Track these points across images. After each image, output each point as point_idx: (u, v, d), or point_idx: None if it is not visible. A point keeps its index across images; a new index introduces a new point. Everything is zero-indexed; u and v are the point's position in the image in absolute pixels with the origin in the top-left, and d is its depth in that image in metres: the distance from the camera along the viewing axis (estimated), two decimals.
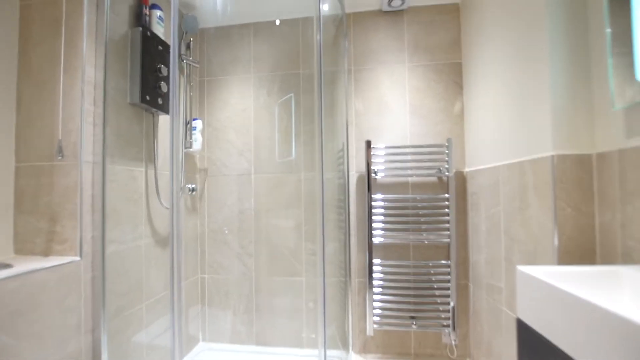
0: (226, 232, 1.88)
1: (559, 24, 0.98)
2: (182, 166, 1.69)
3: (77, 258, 1.12)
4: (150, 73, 1.41)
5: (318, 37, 1.56)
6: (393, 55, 1.80)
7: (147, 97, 1.39)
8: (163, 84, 1.47)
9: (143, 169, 1.46)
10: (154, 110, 1.48)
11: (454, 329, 1.62)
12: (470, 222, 1.65)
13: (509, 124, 1.24)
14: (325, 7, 1.66)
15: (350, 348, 1.73)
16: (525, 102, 1.12)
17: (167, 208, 1.56)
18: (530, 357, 0.74)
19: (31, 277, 0.97)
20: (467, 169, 1.68)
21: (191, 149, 1.76)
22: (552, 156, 0.97)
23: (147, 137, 1.50)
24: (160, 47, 1.47)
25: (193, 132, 1.76)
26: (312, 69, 1.84)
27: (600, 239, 0.92)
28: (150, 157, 1.51)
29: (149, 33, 1.40)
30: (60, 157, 1.14)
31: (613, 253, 0.88)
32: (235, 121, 1.92)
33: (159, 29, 1.48)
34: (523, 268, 0.78)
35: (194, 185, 1.81)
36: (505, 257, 1.27)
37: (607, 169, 0.89)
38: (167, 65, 1.49)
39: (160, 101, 1.47)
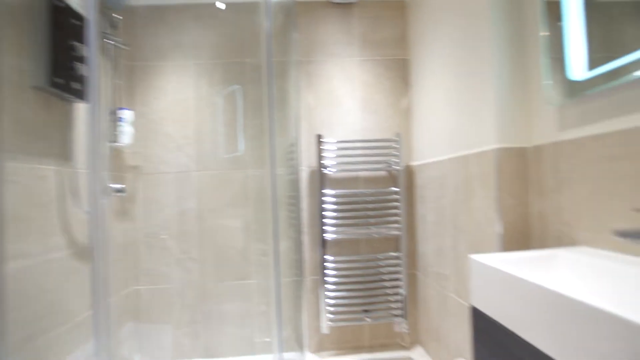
0: (165, 236, 1.68)
1: (501, 27, 1.04)
2: (106, 163, 1.46)
3: None
4: (61, 51, 1.17)
5: (267, 24, 1.47)
6: (343, 48, 1.77)
7: (58, 81, 1.15)
8: (79, 66, 1.23)
9: (55, 167, 1.22)
10: (67, 96, 1.23)
11: (405, 318, 1.68)
12: (418, 214, 1.71)
13: (454, 119, 1.30)
14: None
15: (306, 348, 1.69)
16: (469, 99, 1.18)
17: (86, 212, 1.33)
18: (485, 343, 0.76)
19: None
20: (415, 163, 1.74)
21: (119, 143, 1.53)
22: (495, 149, 1.02)
23: (59, 128, 1.25)
24: (75, 21, 1.23)
25: (120, 123, 1.53)
26: (260, 59, 1.73)
27: (536, 225, 1.00)
28: (65, 153, 1.27)
29: (59, 2, 1.16)
30: None
31: (547, 237, 0.96)
32: (174, 112, 1.72)
33: None
34: (475, 257, 0.80)
35: (122, 186, 1.57)
36: (451, 246, 1.33)
37: (543, 160, 0.97)
38: (86, 44, 1.25)
39: (76, 86, 1.23)
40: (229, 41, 1.74)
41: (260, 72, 1.73)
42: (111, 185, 1.47)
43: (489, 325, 0.73)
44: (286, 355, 1.68)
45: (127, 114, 1.56)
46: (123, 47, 1.58)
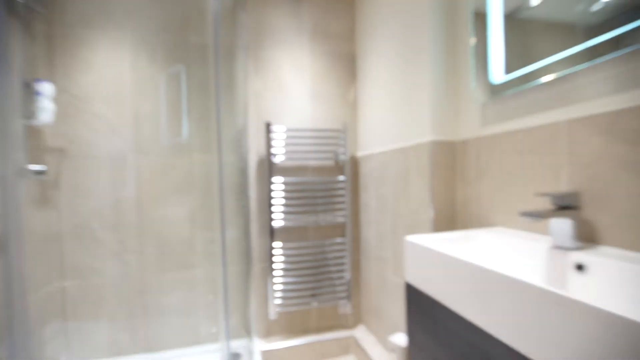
0: (97, 226, 1.53)
1: (437, 31, 1.13)
2: (20, 143, 1.27)
3: None
4: None
5: (214, 2, 1.40)
6: (294, 37, 1.77)
7: None
8: None
9: None
10: None
11: (349, 299, 1.78)
12: (362, 202, 1.81)
13: (395, 113, 1.39)
14: None
15: (254, 335, 1.70)
16: (408, 95, 1.27)
17: None
18: (416, 313, 0.86)
19: None
20: (360, 153, 1.82)
21: (36, 121, 1.34)
22: (429, 142, 1.13)
23: None
24: None
25: (38, 98, 1.34)
26: (206, 38, 1.64)
27: (461, 209, 1.14)
28: None
29: None
30: None
31: (471, 220, 1.10)
32: (105, 90, 1.55)
33: None
34: (409, 237, 0.89)
35: (42, 167, 1.39)
36: (391, 231, 1.44)
37: (467, 152, 1.10)
38: None
39: None
40: (172, 16, 1.62)
41: (206, 53, 1.64)
42: (29, 166, 1.29)
43: (420, 298, 0.83)
44: (233, 343, 1.68)
45: (46, 88, 1.37)
46: (36, 9, 1.37)
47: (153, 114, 1.60)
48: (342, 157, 1.78)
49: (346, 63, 1.84)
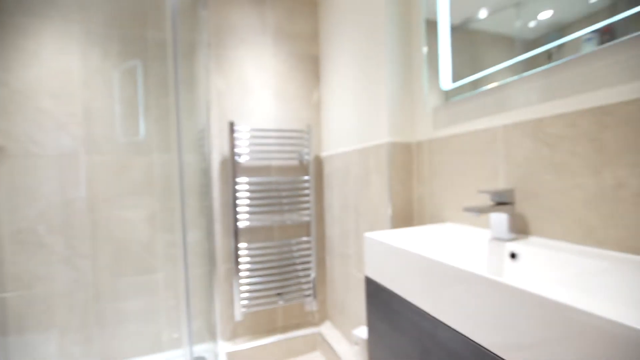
0: (43, 230, 1.42)
1: (394, 38, 1.20)
2: None
3: None
4: None
5: None
6: (257, 36, 1.76)
7: None
8: None
9: None
10: None
11: (314, 297, 1.81)
12: (326, 201, 1.85)
13: (357, 115, 1.45)
14: None
15: (219, 337, 1.67)
16: (369, 98, 1.33)
17: None
18: (375, 305, 0.91)
19: None
20: (324, 154, 1.87)
21: None
22: (387, 143, 1.19)
23: None
24: None
25: None
26: (164, 35, 1.59)
27: (417, 207, 1.21)
28: None
29: None
30: None
31: (425, 216, 1.18)
32: (52, 84, 1.44)
33: None
34: (368, 234, 0.94)
35: None
36: (354, 229, 1.50)
37: (422, 153, 1.18)
38: None
39: None
40: (126, 9, 1.54)
41: (165, 50, 1.59)
42: None
43: (378, 290, 0.88)
44: (198, 347, 1.64)
45: None
46: None
47: (107, 110, 1.52)
48: (306, 157, 1.81)
49: (310, 64, 1.88)
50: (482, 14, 0.89)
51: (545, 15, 0.72)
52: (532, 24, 0.75)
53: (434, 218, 1.12)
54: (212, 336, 1.64)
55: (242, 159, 1.69)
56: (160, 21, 1.59)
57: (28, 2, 1.40)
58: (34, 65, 1.42)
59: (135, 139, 1.55)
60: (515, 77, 0.80)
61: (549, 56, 0.72)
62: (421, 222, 1.19)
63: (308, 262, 1.82)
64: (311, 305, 1.83)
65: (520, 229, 0.81)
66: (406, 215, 1.21)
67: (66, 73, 1.46)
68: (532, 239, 0.76)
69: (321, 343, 1.80)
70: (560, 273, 0.62)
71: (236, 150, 1.66)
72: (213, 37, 1.67)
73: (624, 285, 0.46)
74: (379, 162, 1.25)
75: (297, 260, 1.81)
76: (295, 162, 1.83)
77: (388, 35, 1.19)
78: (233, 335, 1.73)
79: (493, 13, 0.86)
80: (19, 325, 1.40)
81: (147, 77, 1.57)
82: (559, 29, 0.69)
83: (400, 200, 1.20)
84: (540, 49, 0.73)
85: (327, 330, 1.81)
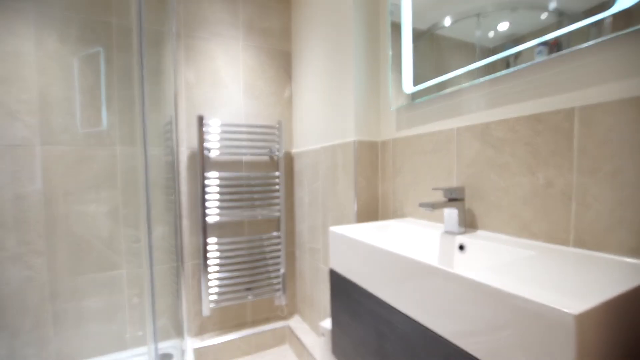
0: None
1: (361, 39, 1.24)
2: None
3: None
4: None
5: None
6: (228, 30, 1.74)
7: None
8: None
9: None
10: None
11: (284, 291, 1.84)
12: (296, 197, 1.88)
13: (326, 113, 1.48)
14: None
15: (186, 334, 1.66)
16: (337, 97, 1.37)
17: None
18: (338, 295, 0.95)
19: None
20: (294, 150, 1.89)
21: None
22: (354, 141, 1.24)
23: None
24: None
25: None
26: (129, 21, 1.53)
27: (381, 203, 1.27)
28: None
29: None
30: None
31: (388, 212, 1.24)
32: (6, 70, 1.35)
33: None
34: (333, 228, 0.98)
35: None
36: (322, 224, 1.54)
37: (386, 152, 1.24)
38: None
39: None
40: None
41: (129, 37, 1.53)
42: None
43: (341, 281, 0.92)
44: (164, 344, 1.62)
45: None
46: None
47: (65, 99, 1.44)
48: (277, 154, 1.82)
49: (282, 61, 1.88)
50: (446, 21, 0.94)
51: (503, 26, 0.78)
52: (491, 34, 0.81)
53: (396, 213, 1.19)
54: (178, 333, 1.62)
55: (212, 154, 1.67)
56: (126, 7, 1.52)
57: None
58: None
59: (96, 129, 1.48)
60: (471, 83, 0.87)
61: (506, 64, 0.77)
62: (385, 217, 1.25)
63: (278, 257, 1.84)
64: (280, 299, 1.86)
65: (469, 223, 0.89)
66: (371, 210, 1.27)
67: (17, 56, 1.36)
68: (479, 233, 0.84)
69: (290, 336, 1.83)
70: (498, 261, 0.69)
71: (206, 144, 1.64)
72: (182, 27, 1.63)
73: (547, 271, 0.53)
74: (346, 160, 1.30)
75: (267, 255, 1.83)
76: (266, 158, 1.84)
77: (356, 36, 1.23)
78: (201, 331, 1.72)
79: (456, 21, 0.92)
80: None
81: (110, 66, 1.50)
82: (514, 39, 0.75)
83: (365, 196, 1.26)
84: (497, 56, 0.79)
85: (296, 323, 1.84)
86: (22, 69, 1.37)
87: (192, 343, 1.64)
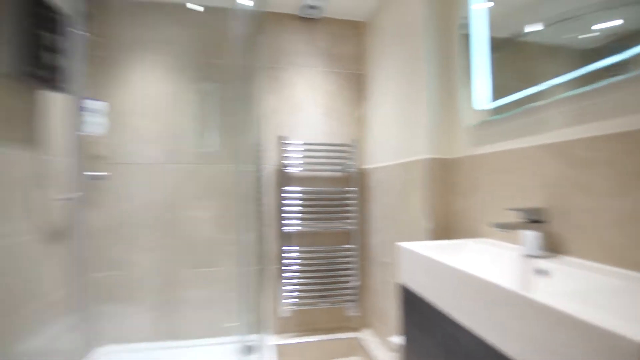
0: (132, 225, 1.74)
1: (433, 57, 1.27)
2: (80, 152, 1.49)
3: None
4: (29, 40, 1.19)
5: (238, 29, 1.59)
6: (307, 59, 1.95)
7: (25, 69, 1.18)
8: (48, 55, 1.27)
9: (21, 152, 1.25)
10: (34, 84, 1.27)
11: (356, 303, 1.90)
12: (369, 211, 1.93)
13: (398, 131, 1.53)
14: (243, 1, 1.68)
15: (268, 331, 1.84)
16: (409, 115, 1.41)
17: (57, 199, 1.38)
18: (408, 310, 0.98)
19: None
20: (367, 167, 1.96)
21: (86, 133, 1.55)
22: (426, 159, 1.26)
23: (26, 115, 1.29)
24: (44, 10, 1.25)
25: (87, 113, 1.55)
26: (229, 61, 1.84)
27: (455, 221, 1.25)
28: (33, 139, 1.31)
29: None
30: None
31: (461, 231, 1.21)
32: (144, 106, 1.77)
33: None
34: (402, 244, 1.02)
35: (101, 173, 1.60)
36: (393, 239, 1.56)
37: (459, 169, 1.22)
38: (55, 33, 1.29)
39: (44, 74, 1.26)
40: (200, 42, 1.83)
41: (229, 73, 1.84)
42: (87, 173, 1.49)
43: (411, 297, 0.95)
44: (248, 337, 1.82)
45: (95, 104, 1.59)
46: (94, 38, 1.60)
47: (184, 127, 1.81)
48: (351, 170, 1.93)
49: (355, 83, 2.01)
50: (535, 26, 0.85)
51: (611, 25, 0.65)
52: (593, 36, 0.69)
53: (470, 233, 1.16)
54: (261, 329, 1.82)
55: (291, 170, 1.87)
56: (227, 50, 1.85)
57: (126, 42, 1.75)
58: (129, 91, 1.76)
59: (204, 151, 1.83)
60: (560, 96, 0.79)
61: (608, 73, 0.67)
62: (457, 236, 1.23)
63: (350, 269, 1.92)
64: (352, 310, 1.92)
65: (550, 247, 0.83)
66: (443, 228, 1.26)
67: (154, 97, 1.78)
68: (561, 257, 0.78)
69: (360, 348, 1.87)
70: (582, 289, 0.64)
71: (285, 161, 1.84)
72: (269, 61, 1.89)
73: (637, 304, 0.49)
74: (418, 177, 1.32)
75: (340, 267, 1.92)
76: (340, 174, 1.96)
77: (428, 54, 1.27)
78: (280, 330, 1.89)
79: (549, 25, 0.82)
80: (109, 298, 1.71)
81: (215, 98, 1.84)
82: (626, 41, 0.62)
83: (438, 213, 1.25)
84: (597, 64, 0.68)
85: (366, 336, 1.87)
86: (155, 105, 1.78)
87: (272, 339, 1.81)
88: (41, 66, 1.24)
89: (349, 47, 2.00)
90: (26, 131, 1.28)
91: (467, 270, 0.70)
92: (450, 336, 0.75)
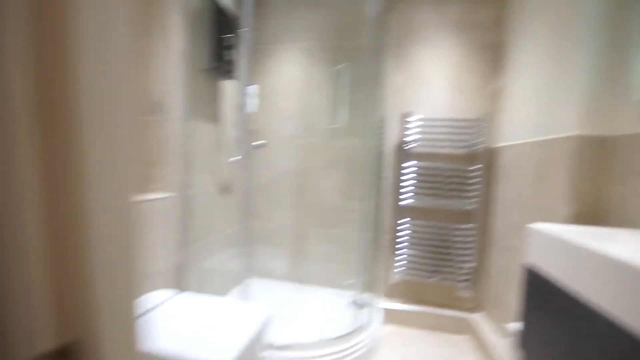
0: (275, 187, 2.14)
1: (594, 18, 1.07)
2: (247, 126, 1.92)
3: (174, 194, 1.42)
4: (216, 42, 1.60)
5: (372, 8, 1.68)
6: (436, 32, 1.87)
7: (215, 64, 1.60)
8: (227, 52, 1.66)
9: (213, 126, 1.72)
10: (219, 76, 1.69)
11: (469, 283, 1.86)
12: (495, 192, 1.81)
13: (539, 105, 1.36)
14: None
15: (377, 292, 2.02)
16: (556, 87, 1.24)
17: (228, 162, 1.83)
18: (533, 296, 0.95)
19: (149, 204, 1.29)
20: (497, 144, 1.81)
21: (246, 111, 1.97)
22: (574, 136, 1.11)
23: (213, 99, 1.73)
24: (223, 17, 1.63)
25: (247, 95, 1.96)
26: (359, 42, 1.96)
27: (605, 208, 1.08)
28: (216, 117, 1.76)
29: (218, 5, 1.57)
30: (158, 114, 1.39)
31: (615, 220, 1.04)
32: (285, 88, 2.10)
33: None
34: (534, 225, 0.97)
35: (260, 142, 1.94)
36: (519, 222, 1.45)
37: (621, 149, 1.03)
38: (232, 34, 1.67)
39: (225, 67, 1.67)
40: (335, 25, 2.00)
41: (359, 54, 1.96)
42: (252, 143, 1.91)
43: (540, 282, 0.90)
44: (361, 295, 2.04)
45: (252, 88, 1.99)
46: (254, 32, 1.97)
47: (318, 105, 2.07)
48: (477, 147, 1.82)
49: (491, 53, 1.83)
50: None
51: None
52: None
53: (628, 223, 0.99)
54: (373, 290, 2.01)
55: (412, 145, 1.90)
56: (357, 29, 1.96)
57: (273, 35, 2.07)
58: (274, 75, 2.10)
59: (333, 126, 2.05)
60: None
61: None
62: (608, 224, 1.06)
63: (467, 249, 1.87)
64: (465, 291, 1.89)
65: None
66: (588, 215, 1.11)
67: (293, 80, 2.08)
68: None
69: (470, 329, 1.85)
70: None
71: (407, 137, 1.88)
72: (397, 37, 1.91)
73: None
74: (562, 156, 1.18)
75: (456, 245, 1.89)
76: (463, 151, 1.88)
77: (587, 15, 1.08)
78: (389, 295, 2.04)
79: None
80: (260, 242, 2.19)
81: (345, 78, 2.01)
82: None
83: (583, 199, 1.11)
84: None
85: (479, 319, 1.83)
86: (293, 86, 2.08)
87: (381, 302, 1.99)
88: (223, 61, 1.65)
89: (487, 14, 1.82)
90: (212, 110, 1.73)
91: (620, 257, 0.64)
92: (581, 322, 0.72)
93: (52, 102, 0.26)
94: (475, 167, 1.83)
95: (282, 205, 2.16)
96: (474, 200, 1.84)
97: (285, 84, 2.10)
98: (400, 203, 1.92)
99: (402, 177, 1.90)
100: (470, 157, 1.87)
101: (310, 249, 2.14)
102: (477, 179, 1.83)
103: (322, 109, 2.07)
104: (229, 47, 1.67)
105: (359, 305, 1.98)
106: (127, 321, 0.34)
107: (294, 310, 1.91)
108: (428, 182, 1.90)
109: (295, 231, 2.15)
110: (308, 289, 2.12)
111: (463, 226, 1.89)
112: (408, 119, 1.87)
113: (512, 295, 1.53)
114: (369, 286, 2.02)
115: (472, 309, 1.93)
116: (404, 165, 1.90)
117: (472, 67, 1.86)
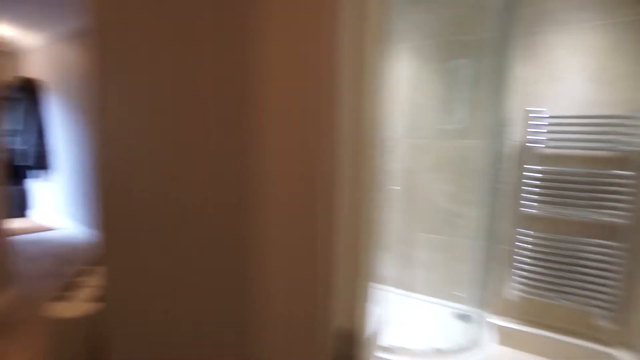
0: (388, 189, 2.08)
1: None
2: None
3: None
4: None
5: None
6: (571, 14, 1.63)
7: None
8: None
9: None
10: None
11: (611, 312, 1.56)
12: None
13: None
14: None
15: (489, 309, 1.83)
16: None
17: None
18: None
19: None
20: None
21: None
22: None
23: None
24: None
25: None
26: (480, 35, 1.81)
27: None
28: None
29: None
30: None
31: None
32: (398, 88, 2.01)
33: None
34: None
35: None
36: None
37: None
38: None
39: None
40: (446, 21, 1.89)
41: (478, 48, 1.81)
42: None
43: None
44: (470, 308, 1.88)
45: None
46: None
47: (424, 104, 1.98)
48: (627, 148, 1.53)
49: None
50: None
51: None
52: None
53: None
54: (483, 304, 1.83)
55: (539, 146, 1.68)
56: (478, 21, 1.81)
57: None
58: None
59: (447, 127, 1.94)
60: None
61: None
62: None
63: (609, 271, 1.57)
64: (604, 320, 1.59)
65: None
66: None
67: (400, 79, 2.04)
68: None
69: None
70: None
71: (533, 137, 1.68)
72: (526, 26, 1.71)
73: None
74: None
75: (591, 264, 1.61)
76: (607, 154, 1.59)
77: None
78: (502, 312, 1.83)
79: None
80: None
81: (464, 74, 1.87)
82: None
83: None
84: None
85: (626, 357, 1.52)
86: (399, 85, 2.04)
87: (493, 319, 1.79)
88: None
89: None
90: None
91: None
92: None
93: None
94: (624, 172, 1.53)
95: (393, 209, 2.09)
96: (621, 212, 1.54)
97: (398, 84, 2.03)
98: (522, 210, 1.72)
99: (525, 182, 1.70)
100: (616, 161, 1.58)
101: (416, 254, 2.05)
102: (626, 188, 1.53)
103: (435, 110, 1.96)
104: None
105: (467, 318, 1.83)
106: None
107: (398, 316, 1.86)
108: (557, 188, 1.66)
109: (403, 235, 2.09)
110: (413, 295, 2.04)
111: (605, 242, 1.59)
112: (534, 116, 1.67)
113: None
114: (480, 300, 1.85)
115: (616, 344, 1.61)
116: (528, 168, 1.69)
117: (619, 51, 1.56)
